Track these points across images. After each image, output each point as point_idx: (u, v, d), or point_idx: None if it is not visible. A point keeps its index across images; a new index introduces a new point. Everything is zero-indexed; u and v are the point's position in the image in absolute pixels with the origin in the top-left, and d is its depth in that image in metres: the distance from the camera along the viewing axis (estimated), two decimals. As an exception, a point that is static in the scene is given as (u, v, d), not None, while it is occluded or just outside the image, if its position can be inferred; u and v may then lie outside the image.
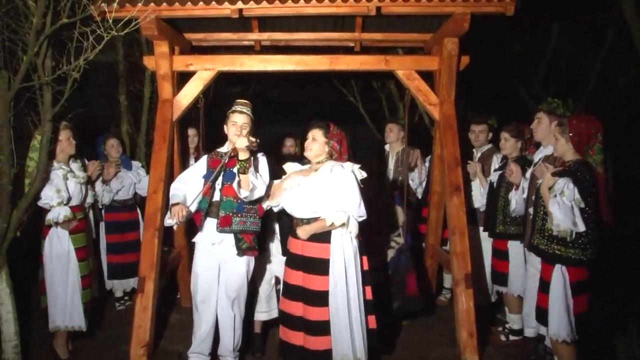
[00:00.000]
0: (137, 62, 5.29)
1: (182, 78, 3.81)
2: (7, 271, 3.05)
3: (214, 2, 3.23)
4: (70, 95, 2.95)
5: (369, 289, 2.90)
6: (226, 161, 2.99)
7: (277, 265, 3.39)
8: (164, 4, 3.23)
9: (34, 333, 3.46)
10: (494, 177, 3.77)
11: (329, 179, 2.78)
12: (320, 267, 2.77)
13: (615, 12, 5.44)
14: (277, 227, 3.37)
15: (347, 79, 6.78)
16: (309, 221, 2.82)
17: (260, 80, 6.62)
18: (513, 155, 3.69)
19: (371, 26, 3.96)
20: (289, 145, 4.22)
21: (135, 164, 4.41)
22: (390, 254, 3.87)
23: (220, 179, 3.03)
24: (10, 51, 2.93)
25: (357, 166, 2.88)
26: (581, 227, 2.71)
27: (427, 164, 4.52)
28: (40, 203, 3.19)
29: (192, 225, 3.72)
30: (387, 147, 4.70)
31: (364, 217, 2.80)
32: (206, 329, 3.12)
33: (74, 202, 3.36)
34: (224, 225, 2.98)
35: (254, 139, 2.87)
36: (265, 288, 3.47)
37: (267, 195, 3.01)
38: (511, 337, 3.69)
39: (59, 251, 3.28)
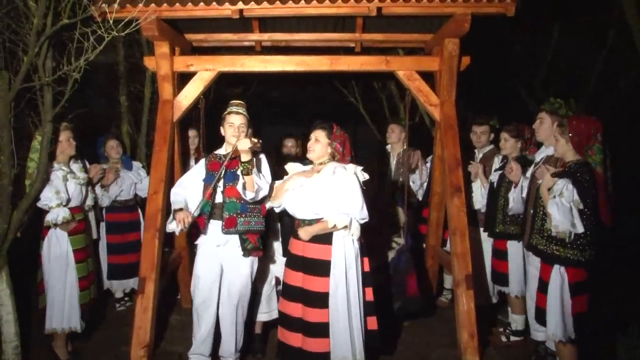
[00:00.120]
0: (138, 62, 5.29)
1: (183, 79, 3.80)
2: (8, 272, 3.05)
3: (214, 3, 3.23)
4: (70, 95, 2.95)
5: (369, 290, 2.89)
6: (225, 163, 2.99)
7: (277, 265, 3.39)
8: (165, 4, 3.22)
9: (34, 334, 3.45)
10: (494, 177, 3.77)
11: (331, 180, 2.78)
12: (321, 268, 2.76)
13: (615, 13, 5.44)
14: (278, 228, 3.36)
15: (348, 79, 6.78)
16: (310, 222, 2.82)
17: (260, 81, 6.61)
18: (513, 156, 3.69)
19: (372, 27, 3.95)
20: (290, 145, 4.21)
21: (136, 164, 4.41)
22: (391, 254, 3.86)
23: (221, 180, 3.03)
24: (10, 52, 2.93)
25: (359, 168, 2.87)
26: (580, 229, 2.71)
27: (428, 165, 4.51)
28: (39, 204, 3.19)
29: (191, 226, 3.72)
30: (388, 147, 4.69)
31: (366, 220, 2.80)
32: (206, 331, 3.12)
33: (73, 204, 3.35)
34: (229, 227, 2.98)
35: (256, 140, 2.86)
36: (266, 289, 3.47)
37: (269, 195, 3.01)
38: (512, 338, 3.68)
39: (58, 252, 3.28)
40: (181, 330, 3.83)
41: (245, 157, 2.85)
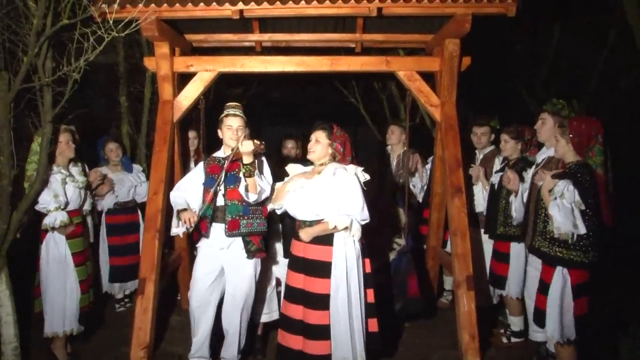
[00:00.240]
0: (138, 63, 5.29)
1: (183, 79, 3.79)
2: (7, 273, 3.04)
3: (214, 3, 3.22)
4: (70, 96, 2.95)
5: (370, 291, 2.88)
6: (225, 166, 2.99)
7: (278, 267, 3.39)
8: (165, 4, 3.22)
9: (33, 336, 3.44)
10: (494, 178, 3.76)
11: (332, 181, 2.77)
12: (322, 269, 2.75)
13: (617, 13, 5.42)
14: (279, 229, 3.35)
15: (348, 80, 6.77)
16: (311, 224, 2.81)
17: (261, 82, 6.61)
18: (513, 157, 3.68)
19: (372, 27, 3.94)
20: (290, 147, 4.20)
21: (136, 167, 4.40)
22: (392, 255, 3.85)
23: (222, 183, 3.02)
24: (10, 52, 2.93)
25: (360, 169, 2.86)
26: (582, 230, 2.70)
27: (428, 167, 4.50)
28: (38, 207, 3.18)
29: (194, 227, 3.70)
30: (388, 148, 4.68)
31: (367, 221, 2.79)
32: (203, 334, 3.12)
33: (71, 207, 3.34)
34: (232, 229, 2.97)
35: (258, 142, 2.85)
36: (267, 290, 3.45)
37: (270, 197, 3.00)
38: (513, 339, 3.67)
39: (56, 256, 3.27)
40: (181, 331, 3.82)
41: (247, 159, 2.83)
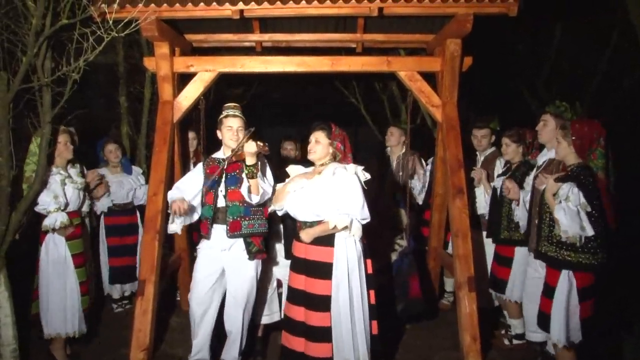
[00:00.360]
0: (138, 63, 5.26)
1: (183, 79, 3.78)
2: (6, 274, 3.03)
3: (214, 3, 3.21)
4: (69, 96, 2.94)
5: (372, 293, 2.86)
6: (225, 167, 2.97)
7: (279, 268, 3.37)
8: (165, 4, 3.20)
9: (32, 337, 3.42)
10: (497, 182, 3.73)
11: (331, 181, 2.75)
12: (323, 270, 2.74)
13: (619, 13, 5.40)
14: (280, 230, 3.34)
15: (349, 80, 6.75)
16: (312, 224, 2.79)
17: (261, 82, 6.59)
18: (515, 160, 3.66)
19: (373, 27, 3.93)
20: (289, 148, 4.20)
21: (136, 169, 4.38)
22: (394, 256, 3.84)
23: (222, 184, 3.00)
24: (9, 52, 2.91)
25: (360, 168, 2.85)
26: (589, 231, 2.68)
27: (428, 167, 4.49)
28: (37, 209, 3.16)
29: (191, 227, 3.69)
30: (387, 150, 4.67)
31: (368, 220, 2.77)
32: (204, 336, 3.10)
33: (71, 208, 3.32)
34: (234, 231, 2.96)
35: (262, 144, 2.82)
36: (268, 291, 3.43)
37: (271, 198, 2.99)
38: (515, 341, 3.65)
39: (55, 257, 3.25)
40: (181, 332, 3.80)
41: (250, 161, 2.81)
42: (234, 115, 3.02)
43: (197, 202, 3.06)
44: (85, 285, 3.37)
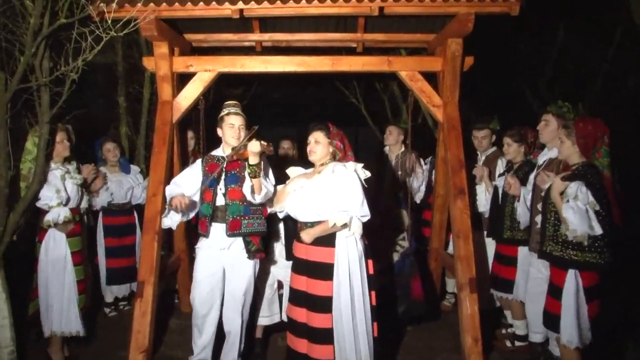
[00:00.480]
0: (137, 63, 5.26)
1: (182, 79, 3.76)
2: (3, 275, 3.01)
3: (214, 3, 3.19)
4: (68, 96, 2.92)
5: (373, 294, 2.84)
6: (224, 165, 2.95)
7: (280, 269, 3.35)
8: (164, 4, 3.19)
9: (32, 338, 3.40)
10: (499, 182, 3.72)
11: (331, 179, 2.74)
12: (324, 271, 2.72)
13: (623, 11, 5.38)
14: (281, 230, 3.32)
15: (350, 80, 6.73)
16: (313, 224, 2.78)
17: (261, 82, 6.57)
18: (517, 160, 3.65)
19: (374, 27, 3.91)
20: (287, 147, 4.20)
21: (134, 168, 4.36)
22: (395, 257, 3.82)
23: (222, 183, 2.98)
24: (7, 52, 2.90)
25: (360, 165, 2.83)
26: (598, 230, 2.67)
27: (426, 167, 4.49)
28: (39, 204, 3.13)
29: (190, 228, 3.67)
30: (386, 149, 4.66)
31: (368, 217, 2.75)
32: (207, 337, 3.08)
33: (71, 204, 3.29)
34: (233, 230, 2.94)
35: (265, 143, 2.79)
36: (268, 292, 3.42)
37: (271, 199, 2.98)
38: (517, 343, 3.63)
39: (56, 255, 3.23)
40: (180, 334, 3.78)
41: (253, 160, 2.78)
42: (236, 113, 3.01)
43: (195, 199, 3.03)
44: (82, 283, 3.34)
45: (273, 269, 3.38)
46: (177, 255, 4.05)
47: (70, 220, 3.22)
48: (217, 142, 3.20)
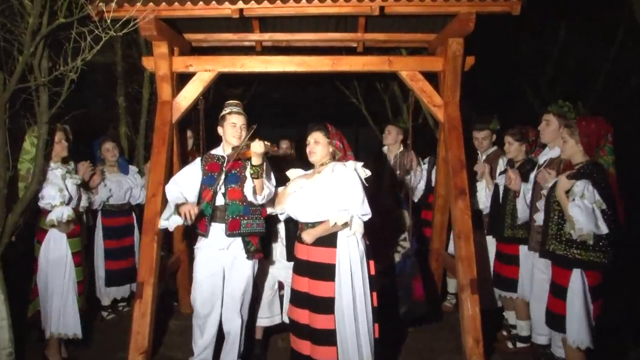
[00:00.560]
0: (136, 63, 5.25)
1: (182, 79, 3.75)
2: (2, 276, 2.99)
3: (214, 2, 3.19)
4: (67, 96, 2.91)
5: (374, 295, 2.82)
6: (225, 165, 2.94)
7: (280, 270, 3.34)
8: (163, 3, 3.18)
9: (28, 341, 3.39)
10: (500, 180, 3.71)
11: (331, 178, 2.73)
12: (326, 272, 2.70)
13: (625, 11, 5.37)
14: (282, 231, 3.31)
15: (350, 80, 6.72)
16: (314, 225, 2.76)
17: (261, 82, 6.56)
18: (519, 159, 3.65)
19: (374, 26, 3.90)
20: (285, 147, 4.21)
21: (132, 168, 4.33)
22: (397, 258, 3.81)
23: (222, 182, 2.97)
24: (5, 51, 2.89)
25: (360, 164, 2.82)
26: (604, 230, 2.66)
27: (425, 167, 4.47)
28: (42, 203, 3.12)
29: (189, 229, 3.65)
30: (384, 149, 4.66)
31: (369, 216, 2.73)
32: (208, 337, 3.06)
33: (72, 204, 3.27)
34: (233, 230, 2.93)
35: (269, 143, 2.77)
36: (268, 293, 3.40)
37: (272, 200, 2.97)
38: (518, 345, 3.61)
39: (57, 255, 3.21)
40: (180, 335, 3.76)
41: (256, 161, 2.76)
42: (238, 113, 3.00)
43: (194, 198, 3.01)
44: (82, 284, 3.33)
45: (274, 269, 3.37)
46: (177, 256, 4.04)
47: (72, 219, 3.21)
48: (216, 142, 3.18)
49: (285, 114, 7.84)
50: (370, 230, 2.83)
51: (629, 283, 4.05)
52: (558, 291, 2.83)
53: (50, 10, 2.78)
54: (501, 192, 3.65)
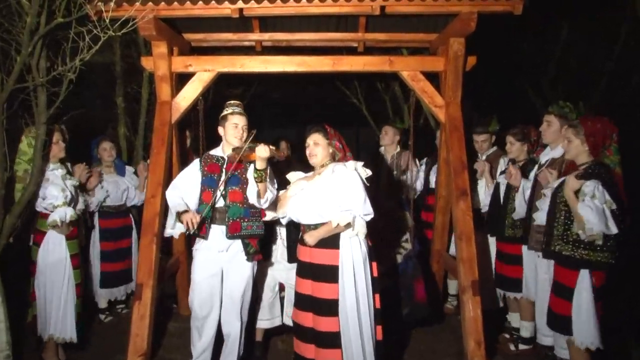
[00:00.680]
0: (135, 62, 5.23)
1: (181, 79, 3.73)
2: (0, 278, 2.96)
3: (213, 2, 3.17)
4: (65, 97, 2.89)
5: (377, 297, 2.81)
6: (226, 166, 2.93)
7: (281, 271, 3.32)
8: (162, 3, 3.17)
9: (26, 343, 3.35)
10: (501, 179, 3.69)
11: (331, 179, 2.72)
12: (329, 274, 2.69)
13: (628, 10, 5.35)
14: (283, 233, 3.29)
15: (351, 80, 6.71)
16: (316, 226, 2.74)
17: (261, 82, 6.55)
18: (521, 159, 3.64)
19: (375, 26, 3.88)
20: (282, 148, 4.19)
21: (129, 169, 4.30)
22: (399, 259, 3.79)
23: (222, 183, 2.94)
24: (3, 51, 2.88)
25: (360, 164, 2.81)
26: (614, 229, 2.65)
27: (422, 168, 4.46)
28: (44, 204, 3.09)
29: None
30: (382, 149, 4.65)
31: (371, 216, 2.71)
32: (207, 340, 3.04)
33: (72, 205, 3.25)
34: (233, 232, 2.91)
35: (274, 148, 2.74)
36: (269, 295, 3.38)
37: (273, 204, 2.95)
38: (521, 347, 3.58)
39: (56, 258, 3.18)
40: (179, 337, 3.74)
41: (261, 165, 2.73)
42: (240, 113, 2.98)
43: (195, 200, 2.99)
44: (79, 287, 3.30)
45: (274, 271, 3.35)
46: (176, 258, 4.01)
47: (74, 220, 3.19)
48: (216, 143, 3.16)
49: (286, 114, 7.83)
50: (373, 231, 2.81)
51: (631, 282, 4.03)
52: (563, 292, 2.81)
53: (48, 10, 2.77)
54: (502, 191, 3.63)
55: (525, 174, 3.47)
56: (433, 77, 3.73)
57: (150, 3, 3.11)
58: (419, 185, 4.50)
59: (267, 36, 4.02)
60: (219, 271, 3.01)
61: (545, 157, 3.34)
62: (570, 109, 3.22)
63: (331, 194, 2.69)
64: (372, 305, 2.73)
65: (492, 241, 3.82)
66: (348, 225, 2.67)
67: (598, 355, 2.85)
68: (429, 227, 4.40)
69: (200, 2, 3.15)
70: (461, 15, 3.24)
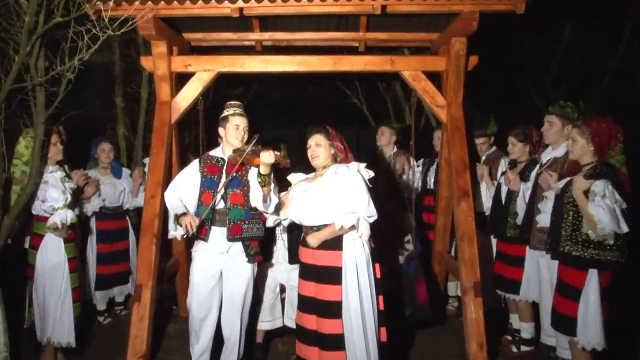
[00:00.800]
0: (134, 62, 5.21)
1: (181, 79, 3.71)
2: (-2, 280, 2.95)
3: (213, 1, 3.16)
4: (64, 96, 2.88)
5: (380, 298, 2.79)
6: (226, 168, 2.91)
7: (282, 273, 3.30)
8: (162, 2, 3.15)
9: (24, 345, 3.34)
10: (502, 180, 3.67)
11: (334, 181, 2.69)
12: (333, 275, 2.66)
13: (631, 9, 5.33)
14: (284, 234, 3.27)
15: (351, 80, 6.70)
16: (319, 228, 2.72)
17: (261, 82, 6.53)
18: (522, 160, 3.62)
19: (376, 25, 3.86)
20: (284, 154, 4.15)
21: (125, 171, 4.28)
22: (401, 260, 3.77)
23: (222, 185, 2.92)
24: (1, 51, 2.86)
25: (362, 165, 2.79)
26: (625, 228, 2.64)
27: (419, 169, 4.45)
28: (44, 207, 3.07)
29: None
30: (379, 150, 4.61)
31: (375, 217, 2.69)
32: (205, 342, 3.02)
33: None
34: (234, 234, 2.90)
35: (279, 153, 2.70)
36: (270, 296, 3.37)
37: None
38: (523, 348, 3.56)
39: (55, 261, 3.15)
40: (179, 339, 3.72)
41: (264, 170, 2.70)
42: (241, 114, 2.97)
43: (194, 202, 2.97)
44: (77, 291, 3.28)
45: (275, 272, 3.33)
46: (176, 259, 3.99)
47: (75, 222, 3.17)
48: (215, 143, 3.13)
49: (286, 114, 7.81)
50: (375, 232, 2.79)
51: (639, 282, 4.00)
52: (569, 292, 2.78)
53: (46, 9, 2.76)
54: (503, 192, 3.61)
55: (525, 177, 3.45)
56: (434, 77, 3.72)
57: (149, 2, 3.10)
58: (417, 187, 4.45)
59: (267, 36, 4.00)
60: (217, 272, 2.99)
61: (546, 156, 3.33)
62: (571, 109, 3.20)
63: (334, 195, 2.67)
64: (375, 307, 2.71)
65: (494, 242, 3.79)
66: (352, 228, 2.64)
67: (602, 356, 2.83)
68: (429, 229, 4.38)
69: (200, 2, 3.13)
70: (463, 14, 3.22)
